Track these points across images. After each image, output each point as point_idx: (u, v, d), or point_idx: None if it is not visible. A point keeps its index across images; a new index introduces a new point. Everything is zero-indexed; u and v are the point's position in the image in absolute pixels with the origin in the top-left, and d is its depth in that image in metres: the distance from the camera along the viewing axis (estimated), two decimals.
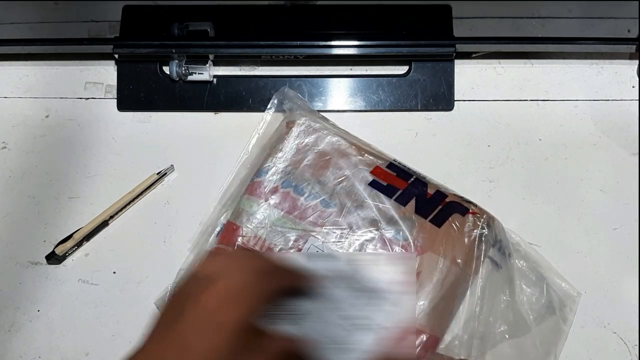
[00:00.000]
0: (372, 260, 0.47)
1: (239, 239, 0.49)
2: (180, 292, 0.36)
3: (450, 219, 0.49)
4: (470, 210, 0.49)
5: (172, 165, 0.57)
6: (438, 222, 0.49)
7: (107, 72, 0.60)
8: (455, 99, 0.58)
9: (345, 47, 0.56)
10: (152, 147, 0.58)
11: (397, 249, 0.48)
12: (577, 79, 0.59)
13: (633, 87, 0.59)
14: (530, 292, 0.50)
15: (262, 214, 0.50)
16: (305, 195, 0.50)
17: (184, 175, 0.57)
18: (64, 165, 0.57)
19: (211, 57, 0.58)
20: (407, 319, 0.45)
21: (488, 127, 0.58)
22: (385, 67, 0.60)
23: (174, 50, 0.56)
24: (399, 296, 0.45)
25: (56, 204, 0.56)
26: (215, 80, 0.58)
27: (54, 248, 0.54)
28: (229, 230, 0.50)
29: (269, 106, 0.56)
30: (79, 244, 0.54)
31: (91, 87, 0.60)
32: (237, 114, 0.59)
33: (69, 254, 0.54)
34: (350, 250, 0.48)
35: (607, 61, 0.59)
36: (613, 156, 0.57)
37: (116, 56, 0.58)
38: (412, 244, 0.48)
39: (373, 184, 0.50)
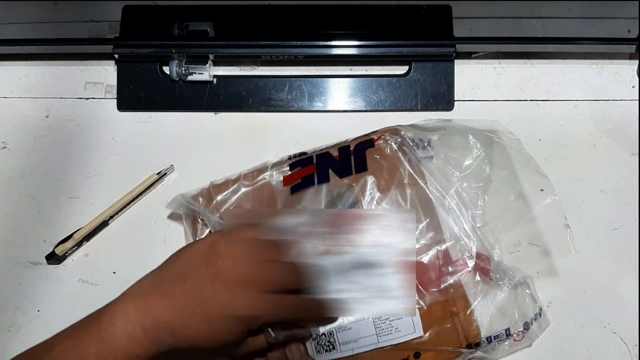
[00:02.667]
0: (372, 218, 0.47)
1: None
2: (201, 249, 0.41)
3: (367, 156, 0.51)
4: (375, 138, 0.51)
5: (172, 165, 0.57)
6: (362, 167, 0.50)
7: (107, 72, 0.60)
8: (455, 99, 0.58)
9: (345, 47, 0.55)
10: (152, 147, 0.58)
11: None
12: (577, 79, 0.59)
13: (633, 87, 0.59)
14: (466, 150, 0.52)
15: None
16: None
17: (184, 175, 0.57)
18: (64, 165, 0.57)
19: (211, 57, 0.58)
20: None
21: None
22: (385, 67, 0.59)
23: (174, 50, 0.56)
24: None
25: (56, 204, 0.56)
26: (215, 80, 0.58)
27: (54, 248, 0.54)
28: None
29: (184, 219, 0.54)
30: (79, 244, 0.54)
31: (91, 87, 0.60)
32: (237, 114, 0.59)
33: (69, 254, 0.55)
34: None
35: (607, 61, 0.59)
36: (613, 156, 0.57)
37: (116, 56, 0.58)
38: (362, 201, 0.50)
39: (293, 190, 0.51)
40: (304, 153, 0.53)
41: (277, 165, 0.52)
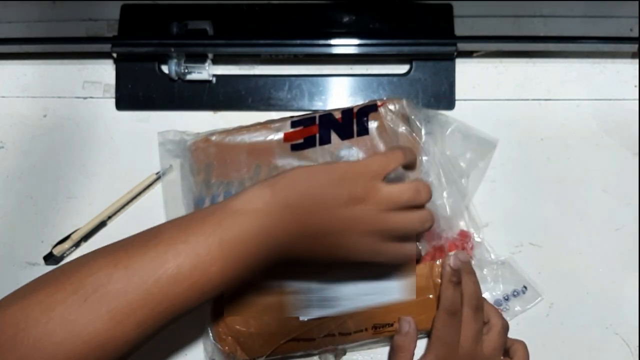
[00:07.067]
0: None
1: None
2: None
3: (370, 120, 0.51)
4: (379, 104, 0.52)
5: (171, 165, 0.56)
6: (364, 131, 0.51)
7: (105, 71, 0.60)
8: (456, 98, 0.58)
9: (345, 46, 0.55)
10: (151, 146, 0.57)
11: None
12: (579, 78, 0.59)
13: (635, 86, 0.59)
14: (463, 150, 0.54)
15: None
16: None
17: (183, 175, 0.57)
18: (62, 165, 0.57)
19: (210, 55, 0.57)
20: None
21: (489, 126, 0.57)
22: (386, 66, 0.59)
23: (172, 49, 0.55)
24: None
25: (54, 204, 0.56)
26: (214, 79, 0.58)
27: (52, 249, 0.53)
28: None
29: (161, 159, 0.55)
30: (77, 245, 0.54)
31: (89, 87, 0.60)
32: (236, 113, 0.58)
33: (67, 255, 0.54)
34: None
35: (609, 60, 0.59)
36: (615, 156, 0.56)
37: (114, 55, 0.58)
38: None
39: (294, 147, 0.51)
40: (307, 113, 0.54)
41: (279, 121, 0.53)
